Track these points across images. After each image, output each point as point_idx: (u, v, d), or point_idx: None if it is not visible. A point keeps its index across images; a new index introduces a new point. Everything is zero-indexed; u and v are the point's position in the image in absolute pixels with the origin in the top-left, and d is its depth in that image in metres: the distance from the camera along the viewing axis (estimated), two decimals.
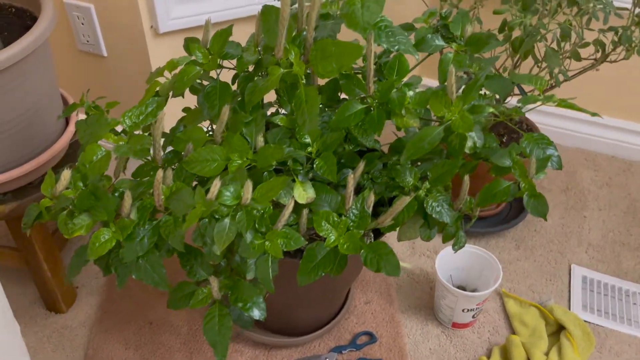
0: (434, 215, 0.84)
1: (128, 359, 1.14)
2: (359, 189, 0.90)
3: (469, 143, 0.76)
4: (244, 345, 1.17)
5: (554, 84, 1.09)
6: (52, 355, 1.16)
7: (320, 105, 0.90)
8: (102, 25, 1.33)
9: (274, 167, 0.79)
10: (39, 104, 1.07)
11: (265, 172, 0.79)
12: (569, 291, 1.30)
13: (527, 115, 1.60)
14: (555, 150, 0.84)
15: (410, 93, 0.81)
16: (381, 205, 0.92)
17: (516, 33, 1.03)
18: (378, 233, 0.90)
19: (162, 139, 0.81)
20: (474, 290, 1.24)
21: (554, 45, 1.02)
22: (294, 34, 0.78)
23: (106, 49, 1.37)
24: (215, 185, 0.67)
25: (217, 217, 0.68)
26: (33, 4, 1.11)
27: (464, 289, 1.25)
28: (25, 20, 1.10)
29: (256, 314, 0.79)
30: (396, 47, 0.77)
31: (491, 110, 0.73)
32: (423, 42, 0.85)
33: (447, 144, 0.77)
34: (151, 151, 0.81)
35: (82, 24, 1.34)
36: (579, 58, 1.06)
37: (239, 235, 0.69)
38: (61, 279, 1.20)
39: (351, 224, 0.78)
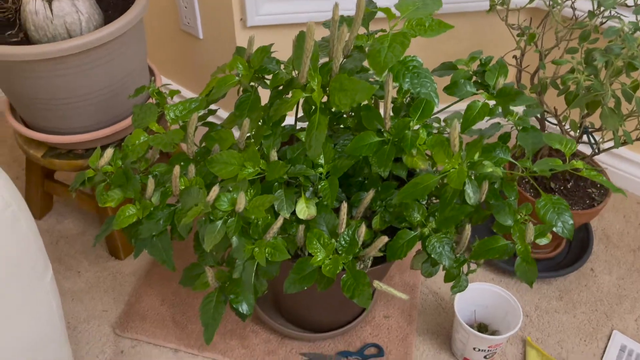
0: (433, 256, 0.86)
1: (161, 313, 1.28)
2: (371, 214, 0.94)
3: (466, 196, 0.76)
4: (261, 327, 1.26)
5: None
6: (103, 294, 1.34)
7: (349, 127, 0.94)
8: (202, 11, 1.46)
9: (285, 180, 0.86)
10: (127, 77, 1.22)
11: (276, 184, 0.85)
12: (602, 357, 1.24)
13: (602, 158, 1.51)
14: (570, 217, 0.82)
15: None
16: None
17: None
18: (383, 258, 0.93)
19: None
20: (495, 332, 1.22)
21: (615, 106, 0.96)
22: (325, 61, 0.82)
23: (202, 32, 1.50)
24: (214, 190, 0.74)
25: (212, 218, 0.76)
26: None
27: (486, 327, 1.24)
28: (128, 2, 1.25)
29: (244, 308, 0.86)
30: (417, 90, 0.79)
31: (490, 169, 0.72)
32: (456, 87, 0.86)
33: (441, 192, 0.78)
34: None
35: (185, 7, 1.47)
36: None
37: (226, 238, 0.76)
38: None
39: (341, 248, 0.82)
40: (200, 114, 1.06)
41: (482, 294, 1.20)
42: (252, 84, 0.91)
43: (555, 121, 1.18)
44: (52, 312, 0.89)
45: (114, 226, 0.86)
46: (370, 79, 0.89)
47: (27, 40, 1.14)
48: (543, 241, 0.79)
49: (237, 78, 0.87)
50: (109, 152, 0.86)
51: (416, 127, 0.83)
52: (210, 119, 1.04)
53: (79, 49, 1.06)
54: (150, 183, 0.84)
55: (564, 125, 1.13)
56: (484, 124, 0.98)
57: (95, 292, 1.34)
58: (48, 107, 1.17)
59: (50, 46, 1.03)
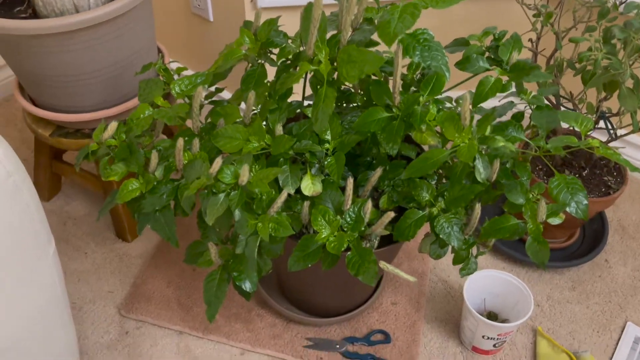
0: (441, 236, 0.84)
1: (166, 295, 1.27)
2: (379, 195, 0.92)
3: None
4: (267, 311, 1.24)
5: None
6: (109, 276, 1.33)
7: (358, 105, 0.92)
8: None
9: (290, 155, 0.84)
10: (135, 54, 1.20)
11: (282, 159, 0.83)
12: (615, 349, 1.21)
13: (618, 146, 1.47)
14: (585, 197, 0.79)
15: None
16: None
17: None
18: (391, 239, 0.91)
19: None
20: (505, 320, 1.20)
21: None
22: (333, 33, 0.80)
23: (213, 14, 1.48)
24: (217, 162, 0.73)
25: (214, 191, 0.74)
26: None
27: (496, 315, 1.21)
28: None
29: (247, 285, 0.85)
30: (428, 63, 0.77)
31: (501, 144, 0.70)
32: (468, 62, 0.83)
33: (450, 170, 0.76)
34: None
35: None
36: None
37: (229, 212, 0.75)
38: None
39: (346, 225, 0.80)
40: (207, 93, 1.05)
41: (492, 281, 1.18)
42: (260, 61, 0.90)
43: (571, 106, 1.15)
44: (55, 287, 0.88)
45: (116, 200, 0.85)
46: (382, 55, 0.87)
47: (35, 16, 1.13)
48: (555, 221, 0.77)
49: (243, 51, 0.86)
50: (113, 125, 0.85)
51: (426, 102, 0.80)
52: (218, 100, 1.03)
53: (86, 24, 1.05)
54: (154, 156, 0.82)
55: (581, 109, 1.10)
56: (497, 103, 0.95)
57: (101, 273, 1.34)
58: (56, 85, 1.16)
59: (56, 20, 1.02)
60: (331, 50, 0.79)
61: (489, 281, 1.18)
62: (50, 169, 1.41)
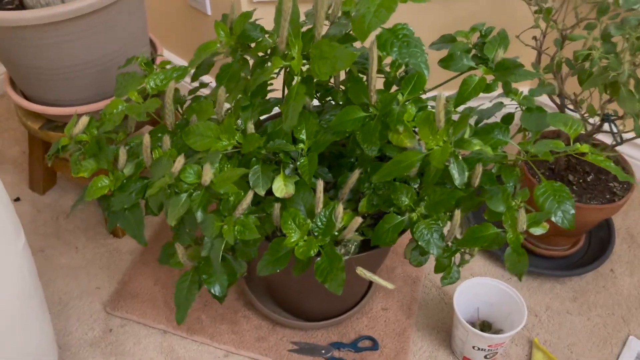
0: (419, 243, 0.80)
1: (153, 293, 1.25)
2: (360, 197, 0.88)
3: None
4: (253, 313, 1.21)
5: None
6: (98, 271, 1.31)
7: (339, 103, 0.88)
8: None
9: (263, 155, 0.80)
10: (125, 47, 1.18)
11: (254, 159, 0.80)
12: None
13: (626, 150, 1.40)
14: (571, 206, 0.74)
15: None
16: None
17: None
18: (368, 244, 0.87)
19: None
20: (499, 330, 1.15)
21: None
22: (309, 27, 0.77)
23: (211, 8, 1.46)
24: (179, 161, 0.70)
25: (177, 191, 0.71)
26: None
27: (490, 325, 1.16)
28: None
29: (217, 289, 0.82)
30: (406, 60, 0.73)
31: (477, 147, 0.65)
32: (452, 60, 0.78)
33: (423, 174, 0.71)
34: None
35: None
36: None
37: (190, 212, 0.72)
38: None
39: (317, 230, 0.76)
40: (192, 88, 1.02)
41: (485, 289, 1.13)
42: (237, 56, 0.86)
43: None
44: (25, 282, 0.87)
45: (85, 197, 0.82)
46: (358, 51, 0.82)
47: (22, 7, 1.12)
48: (538, 231, 0.72)
49: (218, 45, 0.82)
50: (84, 120, 0.83)
51: (406, 102, 0.76)
52: None
53: (69, 16, 1.03)
54: (122, 153, 0.80)
55: (582, 111, 1.04)
56: (486, 103, 0.91)
57: (90, 268, 1.32)
58: (43, 78, 1.14)
59: (37, 12, 1.00)
60: (306, 45, 0.76)
61: (482, 289, 1.13)
62: (44, 162, 1.41)
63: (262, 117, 0.89)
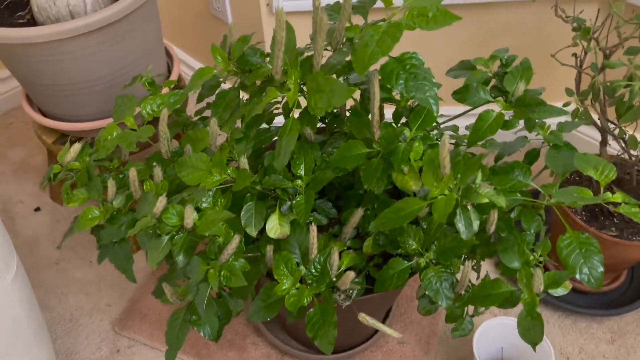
0: (427, 293, 0.72)
1: (162, 314, 1.22)
2: (366, 234, 0.81)
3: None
4: (262, 340, 1.16)
5: None
6: (109, 288, 1.29)
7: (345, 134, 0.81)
8: None
9: (257, 191, 0.74)
10: (138, 60, 1.14)
11: (248, 194, 0.74)
12: None
13: None
14: (600, 263, 0.65)
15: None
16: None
17: None
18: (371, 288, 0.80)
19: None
20: None
21: None
22: (309, 55, 0.70)
23: (232, 17, 1.41)
24: (160, 201, 0.65)
25: (158, 232, 0.66)
26: None
27: None
28: None
29: (207, 331, 0.77)
30: (412, 94, 0.65)
31: (485, 200, 0.57)
32: (467, 92, 0.70)
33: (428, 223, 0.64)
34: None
35: None
36: None
37: (169, 256, 0.66)
38: None
39: (310, 277, 0.70)
40: (198, 109, 0.97)
41: (509, 330, 1.04)
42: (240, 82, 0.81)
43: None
44: (16, 314, 0.84)
45: (75, 228, 0.79)
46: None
47: (33, 21, 1.10)
48: (559, 292, 0.63)
49: (215, 71, 0.77)
50: (76, 147, 0.79)
51: (413, 138, 0.68)
52: None
53: (79, 32, 1.00)
54: (111, 185, 0.75)
55: (626, 144, 0.93)
56: (510, 136, 0.82)
57: (102, 284, 1.30)
58: (54, 94, 1.12)
59: (51, 27, 0.97)
60: (305, 74, 0.69)
61: (505, 330, 1.04)
62: None
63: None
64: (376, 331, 1.14)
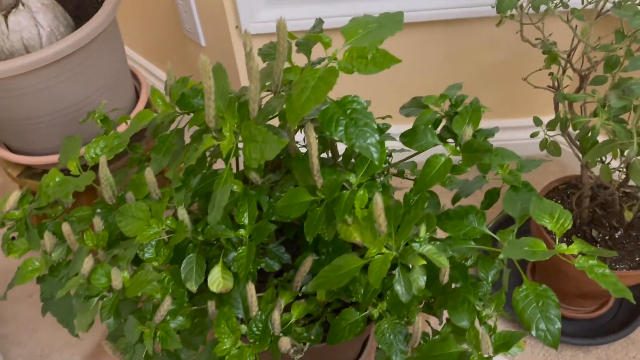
0: (380, 346, 0.68)
1: None
2: None
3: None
4: None
5: None
6: None
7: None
8: (201, 18, 1.33)
9: (200, 241, 0.71)
10: (98, 92, 1.11)
11: (191, 245, 0.70)
12: None
13: None
14: (557, 318, 0.60)
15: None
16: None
17: None
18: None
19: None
20: None
21: None
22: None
23: (204, 39, 1.37)
24: (87, 262, 0.61)
25: (87, 294, 0.63)
26: None
27: None
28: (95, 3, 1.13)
29: None
30: (352, 142, 0.60)
31: (422, 262, 0.53)
32: (414, 135, 0.65)
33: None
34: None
35: (185, 12, 1.35)
36: None
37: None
38: None
39: (252, 335, 0.66)
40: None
41: None
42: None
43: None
44: None
45: (15, 281, 0.75)
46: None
47: None
48: (513, 352, 0.58)
49: (154, 114, 0.73)
50: (14, 196, 0.76)
51: (358, 184, 0.64)
52: None
53: (30, 67, 0.97)
54: (48, 237, 0.72)
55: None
56: (469, 174, 0.77)
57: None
58: (14, 129, 1.09)
59: (3, 64, 0.94)
60: (243, 120, 0.65)
61: None
62: None
63: None
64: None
